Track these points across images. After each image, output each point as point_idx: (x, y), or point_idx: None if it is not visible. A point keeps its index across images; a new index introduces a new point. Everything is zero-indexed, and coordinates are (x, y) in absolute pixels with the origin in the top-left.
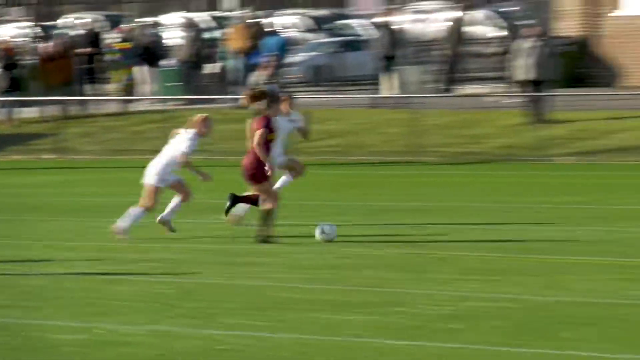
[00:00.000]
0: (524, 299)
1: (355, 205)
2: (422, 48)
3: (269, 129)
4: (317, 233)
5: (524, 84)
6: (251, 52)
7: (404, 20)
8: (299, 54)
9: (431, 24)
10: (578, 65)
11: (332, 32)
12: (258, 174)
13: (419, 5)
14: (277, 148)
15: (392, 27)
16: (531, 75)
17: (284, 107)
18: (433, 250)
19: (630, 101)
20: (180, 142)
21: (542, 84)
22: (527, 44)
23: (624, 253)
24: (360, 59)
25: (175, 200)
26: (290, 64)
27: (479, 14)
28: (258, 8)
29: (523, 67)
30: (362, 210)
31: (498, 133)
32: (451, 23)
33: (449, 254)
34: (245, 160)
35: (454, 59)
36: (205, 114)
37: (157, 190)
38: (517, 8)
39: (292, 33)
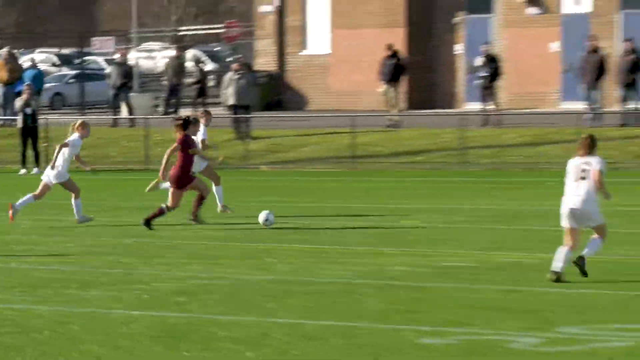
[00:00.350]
0: (237, 277)
1: (103, 204)
2: (150, 79)
3: (189, 145)
4: (262, 219)
5: (231, 107)
6: (14, 82)
7: (136, 57)
8: (46, 84)
9: (157, 61)
10: (273, 93)
11: (79, 66)
12: (182, 181)
13: (148, 45)
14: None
15: (126, 62)
16: (237, 101)
17: (204, 122)
18: (164, 239)
19: (313, 121)
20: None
21: (245, 107)
22: (232, 76)
23: (316, 241)
24: (99, 88)
25: (74, 201)
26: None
27: (192, 52)
28: (18, 47)
29: (231, 94)
30: (108, 208)
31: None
32: (169, 60)
33: (177, 242)
34: (172, 171)
35: (173, 88)
36: (81, 120)
37: (49, 187)
38: (221, 48)
39: (46, 67)
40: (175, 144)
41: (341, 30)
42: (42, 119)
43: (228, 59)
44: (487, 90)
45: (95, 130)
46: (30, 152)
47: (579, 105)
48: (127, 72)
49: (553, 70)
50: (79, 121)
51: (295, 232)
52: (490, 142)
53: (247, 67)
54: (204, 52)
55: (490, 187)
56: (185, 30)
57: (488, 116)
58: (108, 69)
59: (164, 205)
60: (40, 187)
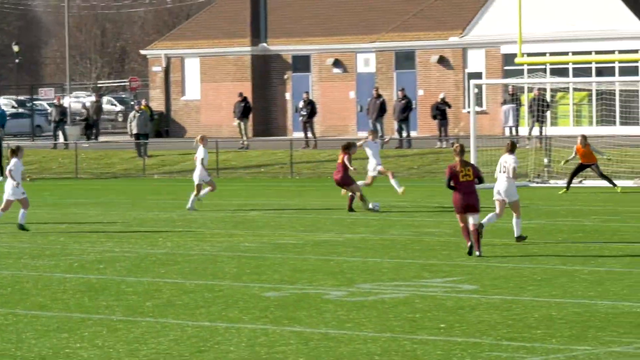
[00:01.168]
0: (138, 251)
1: (46, 200)
2: (78, 117)
3: (349, 159)
4: (371, 205)
5: (135, 135)
6: None
7: (69, 101)
8: None
9: (85, 103)
10: (162, 125)
11: (30, 108)
12: (347, 181)
13: (77, 93)
14: (376, 159)
15: (62, 105)
16: (138, 130)
17: (371, 137)
18: (89, 225)
19: (189, 145)
20: (199, 154)
21: (144, 135)
22: (135, 114)
23: (192, 226)
24: (42, 121)
25: (206, 189)
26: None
27: (106, 98)
28: None
29: (134, 126)
30: (49, 203)
31: (124, 162)
32: (90, 103)
33: (98, 227)
34: (337, 175)
35: (94, 122)
36: (200, 135)
37: (201, 187)
38: (126, 95)
39: (7, 109)
40: (343, 159)
41: (207, 83)
42: (5, 142)
43: (131, 103)
44: (307, 124)
45: (41, 151)
46: None
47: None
48: (62, 111)
49: (351, 110)
50: (199, 136)
51: (179, 220)
52: (310, 159)
53: (145, 107)
54: (115, 98)
55: (310, 190)
56: (102, 83)
57: (308, 141)
58: (50, 110)
59: (354, 194)
60: (195, 188)
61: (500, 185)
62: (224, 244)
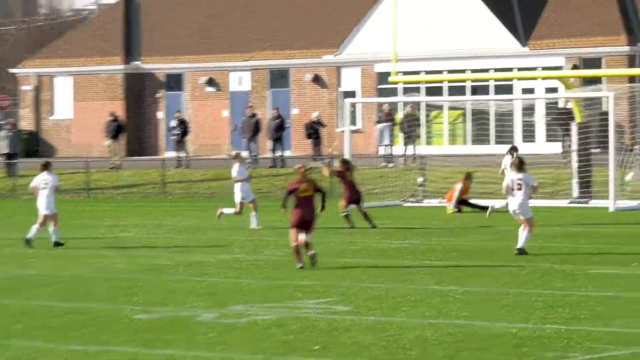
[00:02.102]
0: (7, 271)
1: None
2: None
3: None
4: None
5: (4, 155)
6: None
7: None
8: None
9: None
10: (32, 145)
11: None
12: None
13: None
14: None
15: None
16: (9, 150)
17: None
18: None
19: (60, 165)
20: (233, 171)
21: (14, 155)
22: (6, 133)
23: (66, 247)
24: None
25: (253, 215)
26: None
27: None
28: None
29: (4, 146)
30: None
31: None
32: None
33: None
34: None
35: None
36: (235, 152)
37: (243, 205)
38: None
39: None
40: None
41: (79, 102)
42: None
43: (1, 122)
44: (180, 143)
45: None
46: None
47: (244, 153)
48: None
49: (224, 129)
50: (233, 153)
51: (49, 242)
52: (182, 178)
53: (15, 127)
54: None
55: (183, 210)
56: None
57: (180, 160)
58: None
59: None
60: (238, 207)
61: (514, 204)
62: (95, 265)
